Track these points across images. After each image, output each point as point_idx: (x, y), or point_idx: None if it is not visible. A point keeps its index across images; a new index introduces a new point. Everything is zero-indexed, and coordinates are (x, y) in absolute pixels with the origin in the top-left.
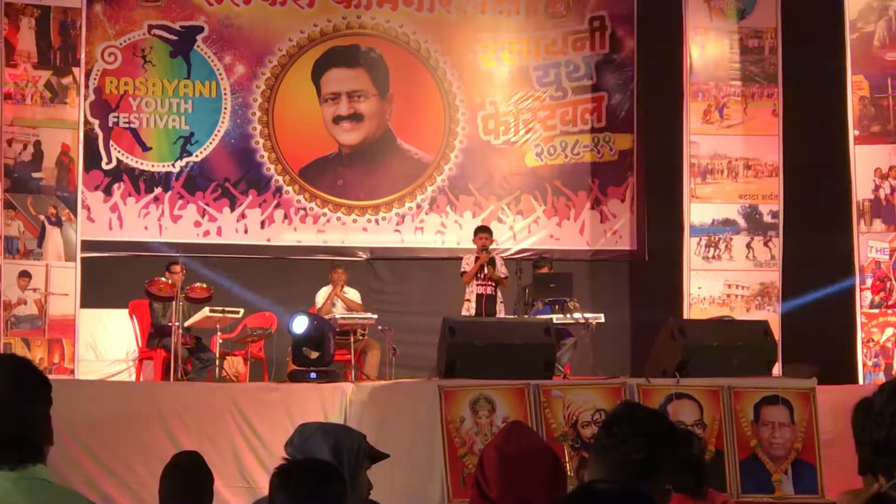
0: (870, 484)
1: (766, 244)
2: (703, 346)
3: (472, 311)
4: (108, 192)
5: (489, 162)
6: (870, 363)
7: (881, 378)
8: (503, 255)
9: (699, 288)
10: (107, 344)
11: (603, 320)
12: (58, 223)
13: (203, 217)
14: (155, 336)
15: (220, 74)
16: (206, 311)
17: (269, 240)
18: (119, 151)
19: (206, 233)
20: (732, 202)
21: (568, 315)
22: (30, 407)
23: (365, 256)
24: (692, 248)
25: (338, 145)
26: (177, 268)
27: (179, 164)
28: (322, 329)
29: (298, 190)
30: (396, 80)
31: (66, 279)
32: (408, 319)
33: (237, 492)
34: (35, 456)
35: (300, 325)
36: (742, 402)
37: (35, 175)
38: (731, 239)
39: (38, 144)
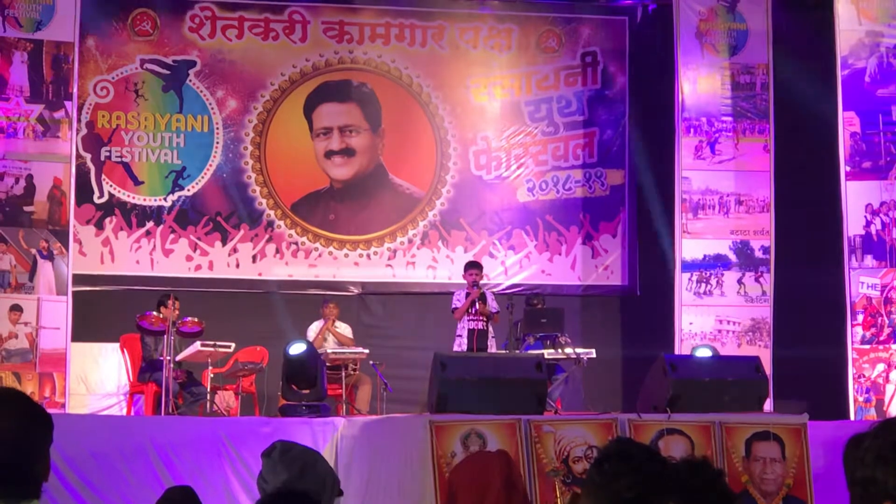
0: None
1: (757, 280)
2: (694, 381)
3: (464, 347)
4: (99, 226)
5: (481, 197)
6: (861, 399)
7: (872, 414)
8: (494, 290)
9: (690, 323)
10: (98, 378)
11: (594, 355)
12: (49, 257)
13: (195, 251)
14: (146, 370)
15: (212, 109)
16: (197, 346)
17: (260, 274)
18: (111, 185)
19: (198, 267)
20: (724, 238)
21: (559, 350)
22: (33, 444)
23: (356, 291)
24: (684, 284)
25: (329, 180)
26: (171, 302)
27: (171, 198)
28: (316, 362)
29: (290, 224)
30: (388, 115)
31: (57, 313)
32: (399, 354)
33: None
34: (32, 492)
35: (297, 348)
36: (733, 438)
37: (27, 209)
38: (722, 274)
39: (29, 178)
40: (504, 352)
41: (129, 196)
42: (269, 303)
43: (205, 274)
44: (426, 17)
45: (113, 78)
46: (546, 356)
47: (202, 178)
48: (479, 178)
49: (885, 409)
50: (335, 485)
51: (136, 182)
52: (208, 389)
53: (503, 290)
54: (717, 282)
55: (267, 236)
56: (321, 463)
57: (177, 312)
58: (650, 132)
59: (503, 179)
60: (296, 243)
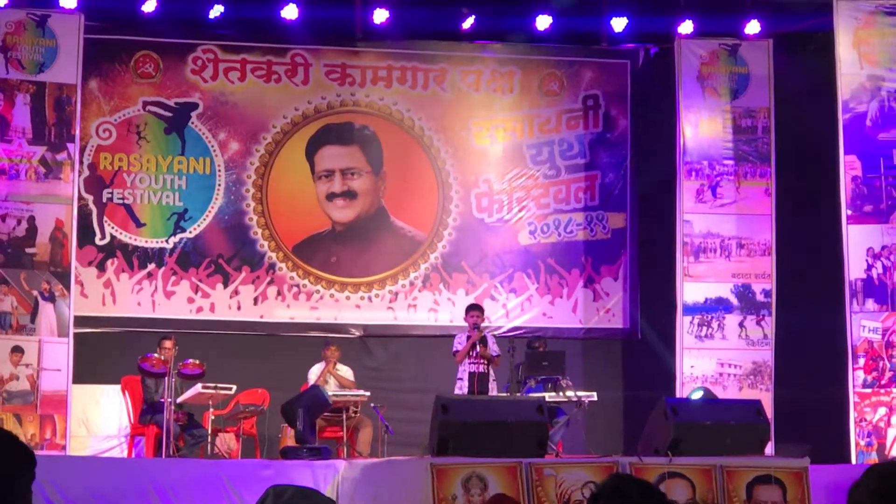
0: None
1: (758, 323)
2: (695, 424)
3: (465, 390)
4: (101, 267)
5: (482, 240)
6: (862, 443)
7: (874, 458)
8: (496, 332)
9: (692, 367)
10: (99, 420)
11: (595, 398)
12: (51, 298)
13: (196, 293)
14: (147, 412)
15: (214, 151)
16: (198, 388)
17: (262, 316)
18: (113, 227)
19: (200, 309)
20: (725, 281)
21: (560, 393)
22: (15, 481)
23: (358, 333)
24: (685, 327)
25: (331, 222)
26: (168, 343)
27: (173, 240)
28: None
29: (292, 267)
30: (390, 158)
31: (58, 355)
32: (400, 397)
33: None
34: None
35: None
36: (735, 482)
37: (28, 250)
38: (723, 318)
39: (31, 220)
40: (505, 395)
41: (130, 238)
42: (270, 345)
43: (206, 316)
44: (428, 59)
45: (115, 120)
46: (547, 399)
47: (204, 220)
48: (481, 220)
49: (886, 453)
50: None
51: (138, 224)
52: (209, 432)
53: (504, 332)
54: (719, 325)
55: (268, 279)
56: (316, 498)
57: (170, 353)
58: (652, 175)
59: (505, 222)
60: (297, 286)
